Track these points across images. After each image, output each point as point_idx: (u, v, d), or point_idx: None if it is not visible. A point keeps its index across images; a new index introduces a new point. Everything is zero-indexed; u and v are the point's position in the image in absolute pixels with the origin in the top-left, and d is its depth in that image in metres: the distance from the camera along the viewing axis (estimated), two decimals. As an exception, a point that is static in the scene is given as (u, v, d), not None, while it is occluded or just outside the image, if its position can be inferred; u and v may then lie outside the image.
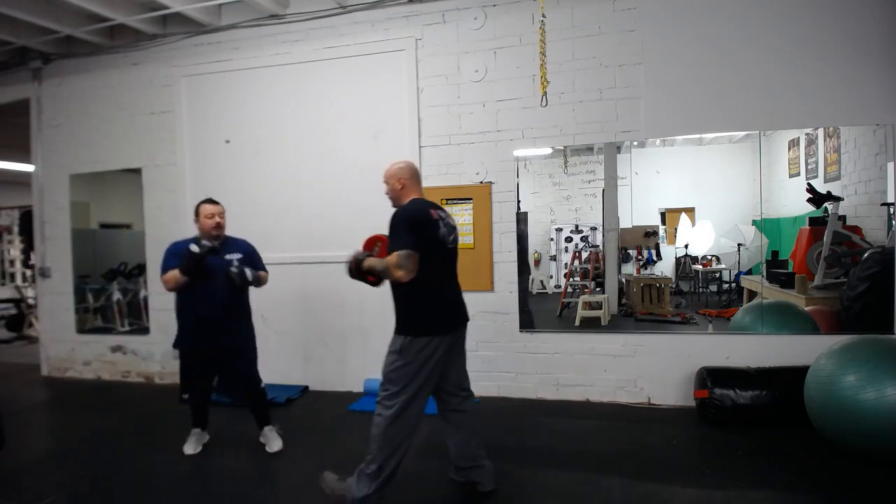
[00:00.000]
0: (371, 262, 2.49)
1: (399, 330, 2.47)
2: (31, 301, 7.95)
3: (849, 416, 2.75)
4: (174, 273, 3.05)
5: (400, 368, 2.42)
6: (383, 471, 2.41)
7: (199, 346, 3.15)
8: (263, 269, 3.34)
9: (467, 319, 2.70)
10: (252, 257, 3.32)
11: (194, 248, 2.97)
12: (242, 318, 3.29)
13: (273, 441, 3.31)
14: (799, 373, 3.21)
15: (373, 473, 2.40)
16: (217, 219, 3.19)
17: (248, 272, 3.13)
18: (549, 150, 4.22)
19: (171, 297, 5.00)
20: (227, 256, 3.18)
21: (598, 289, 4.33)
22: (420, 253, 2.36)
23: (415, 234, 2.37)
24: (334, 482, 2.54)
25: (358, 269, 2.51)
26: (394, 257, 2.33)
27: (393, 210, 2.57)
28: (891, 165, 3.56)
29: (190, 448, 3.27)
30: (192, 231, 4.80)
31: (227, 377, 3.28)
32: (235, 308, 3.23)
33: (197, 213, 3.20)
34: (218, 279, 3.07)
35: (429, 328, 2.44)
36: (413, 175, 2.67)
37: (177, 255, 3.08)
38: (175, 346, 3.23)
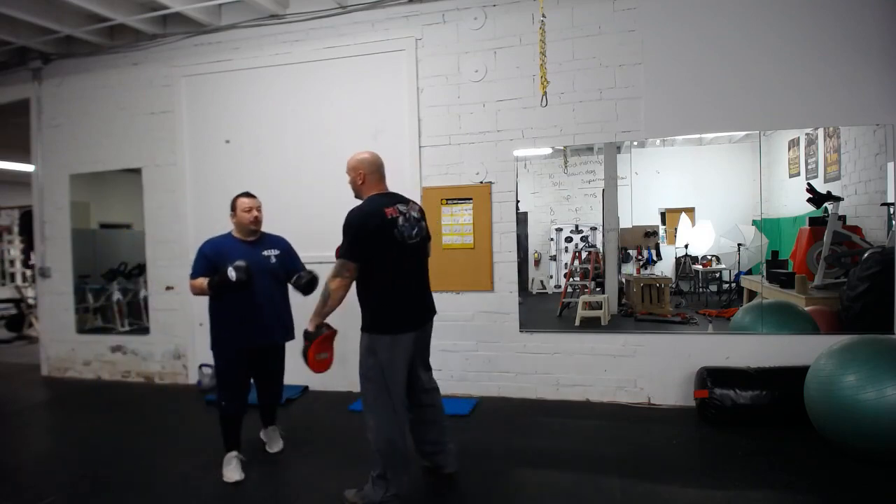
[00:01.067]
0: (313, 314, 2.54)
1: (364, 327, 2.51)
2: (31, 301, 7.95)
3: (849, 416, 2.75)
4: (201, 284, 2.91)
5: (374, 367, 2.46)
6: (388, 470, 2.45)
7: (244, 346, 2.98)
8: (302, 266, 3.22)
9: (433, 313, 2.73)
10: (290, 254, 3.23)
11: (232, 274, 2.79)
12: (287, 310, 3.20)
13: (275, 441, 3.29)
14: (799, 373, 3.21)
15: (380, 476, 2.45)
16: (255, 213, 3.05)
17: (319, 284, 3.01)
18: (549, 150, 4.22)
19: (170, 297, 5.09)
20: (265, 253, 3.08)
21: (598, 289, 4.33)
22: (367, 256, 2.42)
23: (356, 241, 2.42)
24: (353, 494, 2.56)
25: (309, 336, 2.56)
26: (332, 269, 2.44)
27: (355, 202, 2.60)
28: (891, 165, 3.56)
29: (235, 474, 2.92)
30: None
31: (263, 377, 3.17)
32: (279, 301, 3.13)
33: (233, 207, 3.07)
34: (259, 276, 2.93)
35: (389, 326, 2.47)
36: (375, 169, 2.60)
37: (209, 257, 2.94)
38: (213, 348, 3.02)
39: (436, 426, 2.73)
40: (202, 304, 3.10)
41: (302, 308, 3.86)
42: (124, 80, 5.07)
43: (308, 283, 3.07)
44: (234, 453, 3.00)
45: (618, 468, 2.90)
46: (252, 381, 3.17)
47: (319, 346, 2.59)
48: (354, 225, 2.44)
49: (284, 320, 3.18)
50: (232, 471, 2.93)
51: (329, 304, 2.46)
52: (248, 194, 3.12)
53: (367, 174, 2.58)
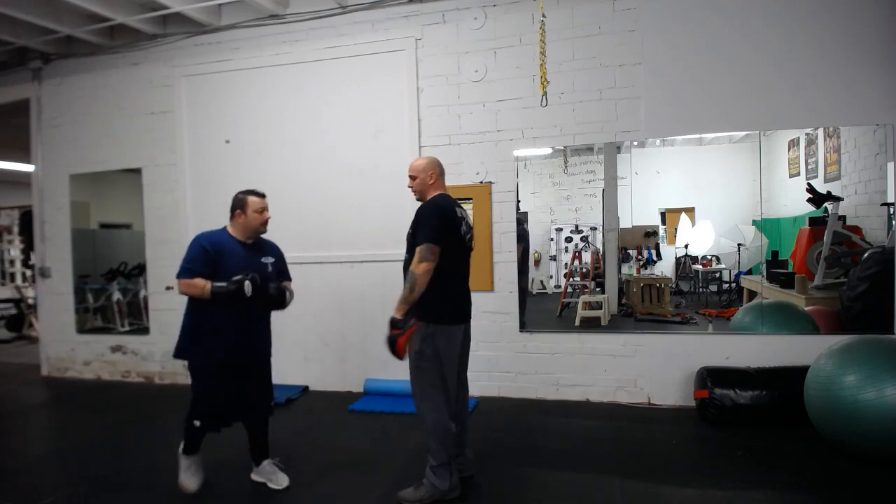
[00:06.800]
0: (399, 302, 2.45)
1: (421, 317, 2.52)
2: (31, 301, 7.95)
3: (849, 416, 2.75)
4: (202, 287, 2.51)
5: (433, 356, 2.52)
6: (449, 456, 2.54)
7: (230, 362, 2.64)
8: (289, 277, 2.95)
9: (470, 315, 2.78)
10: (283, 262, 2.92)
11: (248, 289, 2.49)
12: (268, 326, 2.88)
13: (277, 475, 2.84)
14: (799, 373, 3.21)
15: (444, 464, 2.53)
16: (267, 214, 2.75)
17: (288, 295, 2.82)
18: (549, 150, 4.22)
19: (170, 297, 5.08)
20: (263, 259, 2.77)
21: (598, 289, 4.33)
22: (442, 246, 2.46)
23: (438, 228, 2.47)
24: (412, 492, 2.58)
25: (397, 325, 2.45)
26: (417, 253, 2.44)
27: (418, 203, 2.67)
28: (891, 165, 3.56)
29: (193, 482, 2.72)
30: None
31: (252, 401, 2.78)
32: (261, 319, 2.83)
33: (241, 206, 2.69)
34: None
35: (450, 317, 2.58)
36: (442, 171, 2.74)
37: (210, 254, 2.58)
38: (192, 358, 2.66)
39: (463, 425, 2.76)
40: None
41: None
42: (124, 80, 5.07)
43: (279, 296, 2.76)
44: (193, 456, 2.75)
45: (618, 468, 2.90)
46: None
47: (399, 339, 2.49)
48: (435, 213, 2.53)
49: (268, 330, 2.88)
50: (191, 477, 2.72)
51: (416, 290, 2.42)
52: (258, 193, 2.77)
53: (438, 175, 2.69)
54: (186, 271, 2.57)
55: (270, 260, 2.82)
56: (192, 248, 2.62)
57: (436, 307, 2.52)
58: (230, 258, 2.62)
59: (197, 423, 2.66)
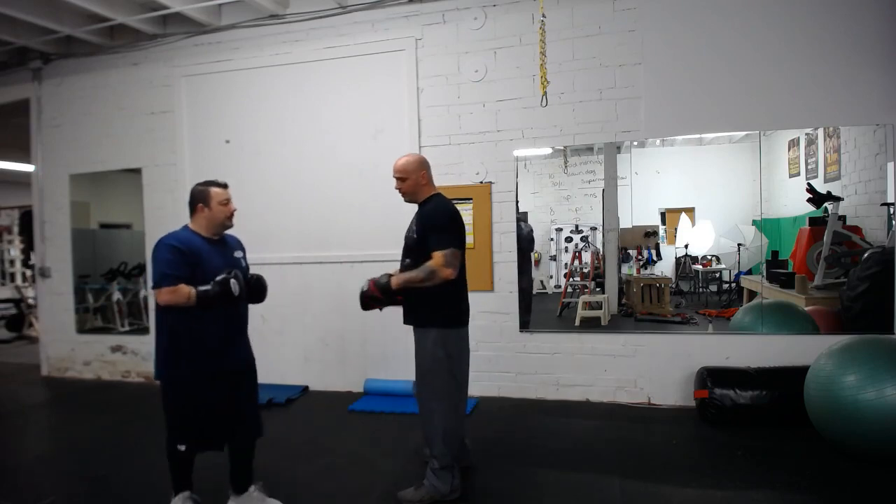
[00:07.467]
0: (403, 277, 2.50)
1: (429, 322, 2.54)
2: (31, 301, 7.95)
3: (849, 416, 2.75)
4: (187, 293, 2.24)
5: (444, 359, 2.52)
6: (454, 459, 2.56)
7: (222, 368, 2.39)
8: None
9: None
10: (245, 257, 2.67)
11: (236, 288, 2.28)
12: (246, 331, 2.60)
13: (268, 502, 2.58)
14: (799, 373, 3.21)
15: (447, 467, 2.53)
16: (232, 206, 2.48)
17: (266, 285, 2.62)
18: (549, 150, 4.21)
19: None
20: (236, 255, 2.55)
21: (598, 289, 4.33)
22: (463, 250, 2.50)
23: (455, 232, 2.48)
24: (412, 492, 2.58)
25: (386, 293, 2.51)
26: (440, 257, 2.41)
27: (408, 204, 2.68)
28: (891, 165, 3.56)
29: None
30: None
31: (236, 414, 2.50)
32: (245, 318, 2.57)
33: (204, 199, 2.41)
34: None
35: (460, 320, 2.61)
36: (429, 168, 2.69)
37: (186, 256, 2.29)
38: (167, 373, 2.44)
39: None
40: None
41: (275, 307, 3.68)
42: (124, 80, 5.07)
43: (259, 288, 2.56)
44: (186, 494, 2.48)
45: (618, 468, 2.90)
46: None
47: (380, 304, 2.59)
48: (447, 215, 2.53)
49: (246, 335, 2.61)
50: None
51: (424, 285, 2.44)
52: (219, 183, 2.49)
53: (429, 174, 2.67)
54: (167, 278, 2.24)
55: (240, 254, 2.59)
56: (164, 252, 2.29)
57: (448, 310, 2.55)
58: (206, 257, 2.36)
59: (182, 447, 2.40)
